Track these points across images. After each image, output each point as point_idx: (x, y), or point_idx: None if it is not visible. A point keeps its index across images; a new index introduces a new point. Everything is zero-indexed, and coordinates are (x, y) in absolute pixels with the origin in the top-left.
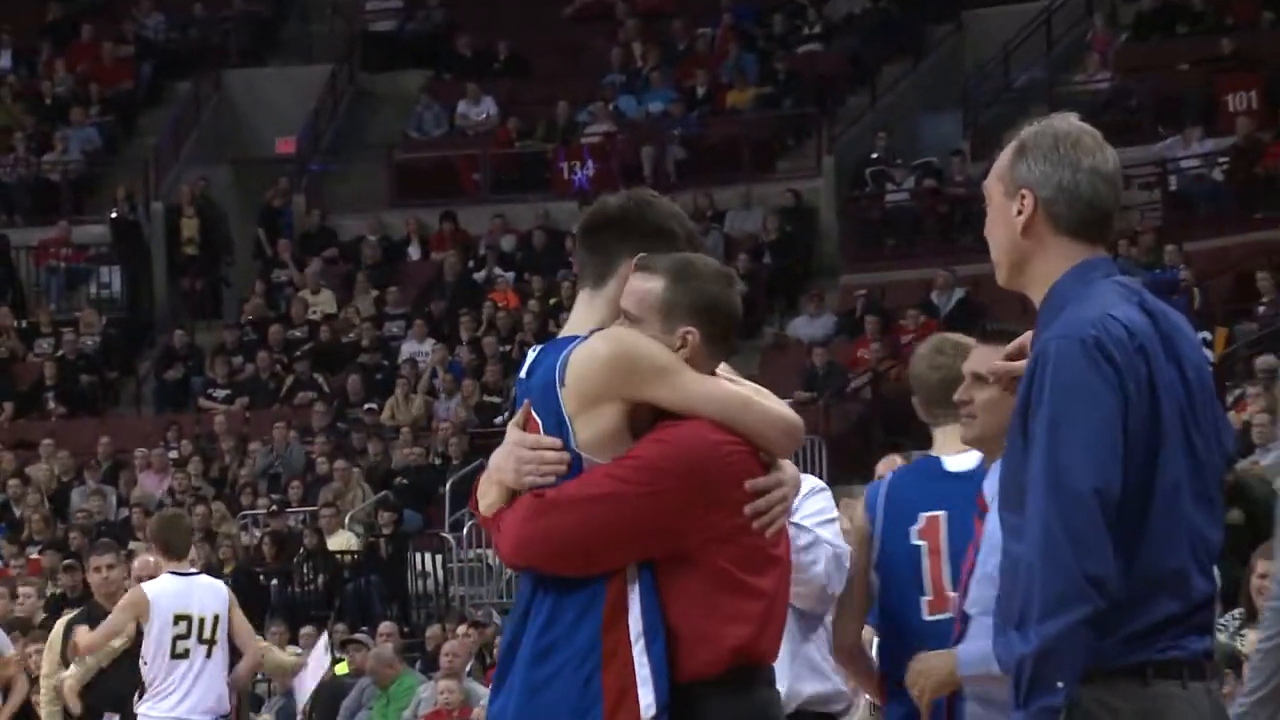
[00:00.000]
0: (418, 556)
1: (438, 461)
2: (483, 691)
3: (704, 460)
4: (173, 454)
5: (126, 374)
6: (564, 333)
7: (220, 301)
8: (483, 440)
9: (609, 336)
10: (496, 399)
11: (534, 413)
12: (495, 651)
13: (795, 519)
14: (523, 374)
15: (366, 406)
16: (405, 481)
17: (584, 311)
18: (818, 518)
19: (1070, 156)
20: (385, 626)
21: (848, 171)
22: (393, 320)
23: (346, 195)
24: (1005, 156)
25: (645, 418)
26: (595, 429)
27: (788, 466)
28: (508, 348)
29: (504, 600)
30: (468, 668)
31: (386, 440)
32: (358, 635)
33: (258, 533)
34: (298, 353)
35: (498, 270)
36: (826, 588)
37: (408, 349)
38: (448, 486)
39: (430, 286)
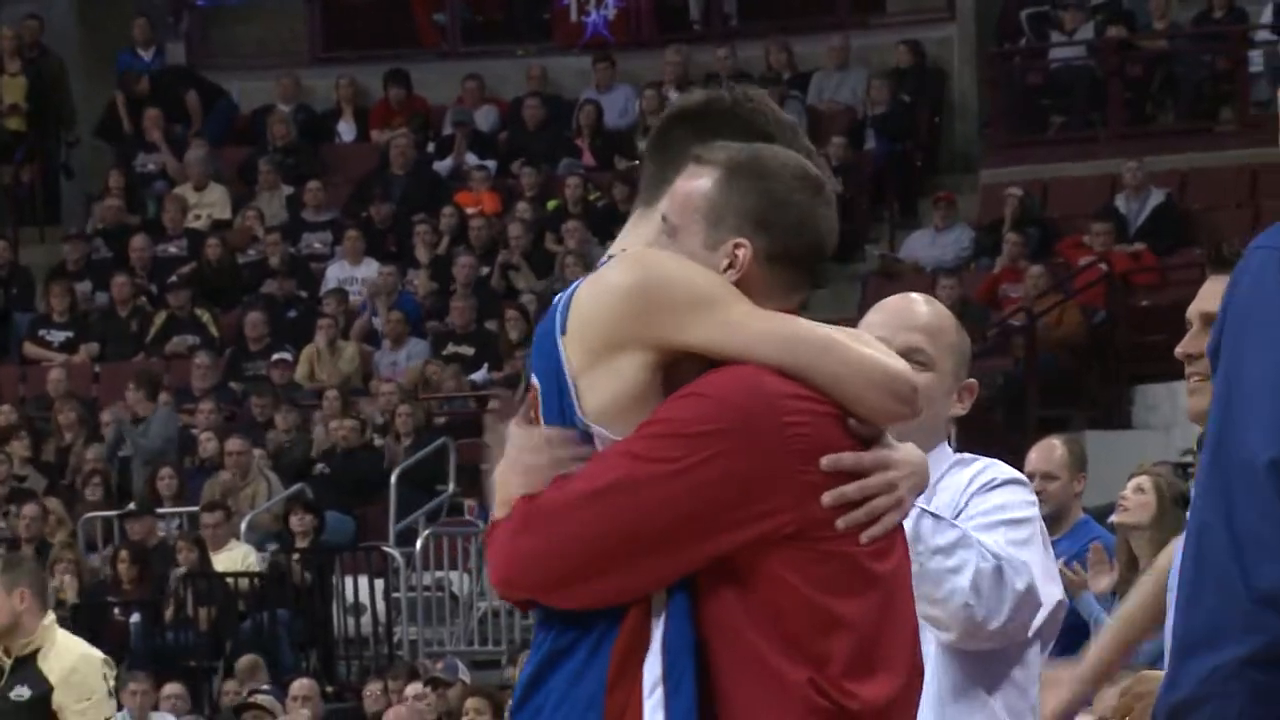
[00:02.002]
0: (348, 581)
1: (378, 441)
2: None
3: (759, 419)
4: None
5: None
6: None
7: (58, 200)
8: (448, 412)
9: (627, 260)
10: (467, 349)
11: (535, 381)
12: None
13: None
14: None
15: (274, 358)
16: (329, 470)
17: (634, 232)
18: (989, 516)
19: None
20: (300, 685)
21: (993, 14)
22: (314, 231)
23: (248, 43)
24: None
25: (687, 376)
26: (609, 391)
27: (905, 446)
28: (486, 271)
29: (475, 648)
30: None
31: (303, 409)
32: (259, 696)
33: (110, 545)
34: (172, 278)
35: (470, 158)
36: (973, 613)
37: (335, 274)
38: (394, 479)
39: (370, 181)
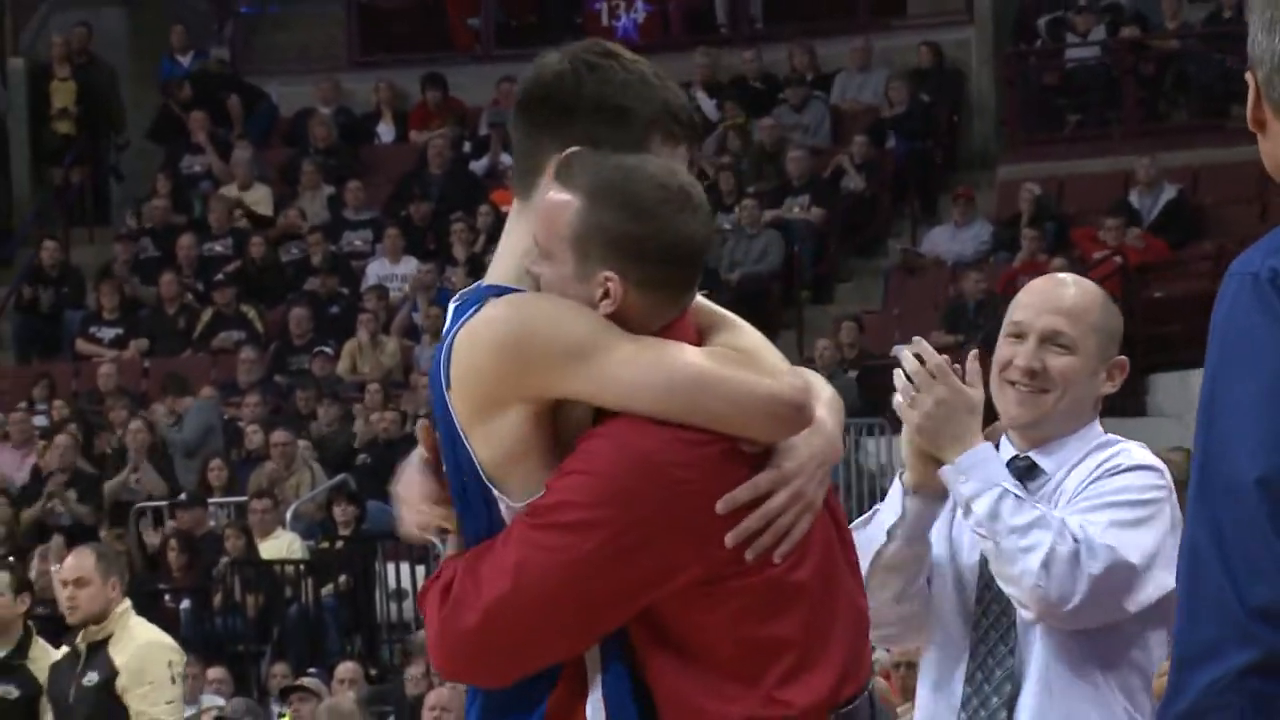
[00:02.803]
0: (390, 568)
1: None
2: None
3: (645, 492)
4: (39, 420)
5: None
6: (489, 271)
7: (108, 201)
8: None
9: (499, 310)
10: None
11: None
12: None
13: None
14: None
15: (317, 352)
16: (371, 461)
17: (510, 239)
18: (1103, 498)
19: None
20: (345, 668)
21: (1010, 16)
22: (355, 230)
23: (289, 49)
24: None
25: (576, 417)
26: (497, 446)
27: (802, 436)
28: None
29: None
30: None
31: (345, 402)
32: (305, 679)
33: (160, 534)
34: (219, 276)
35: (505, 158)
36: (1045, 593)
37: (376, 271)
38: None
39: (409, 181)
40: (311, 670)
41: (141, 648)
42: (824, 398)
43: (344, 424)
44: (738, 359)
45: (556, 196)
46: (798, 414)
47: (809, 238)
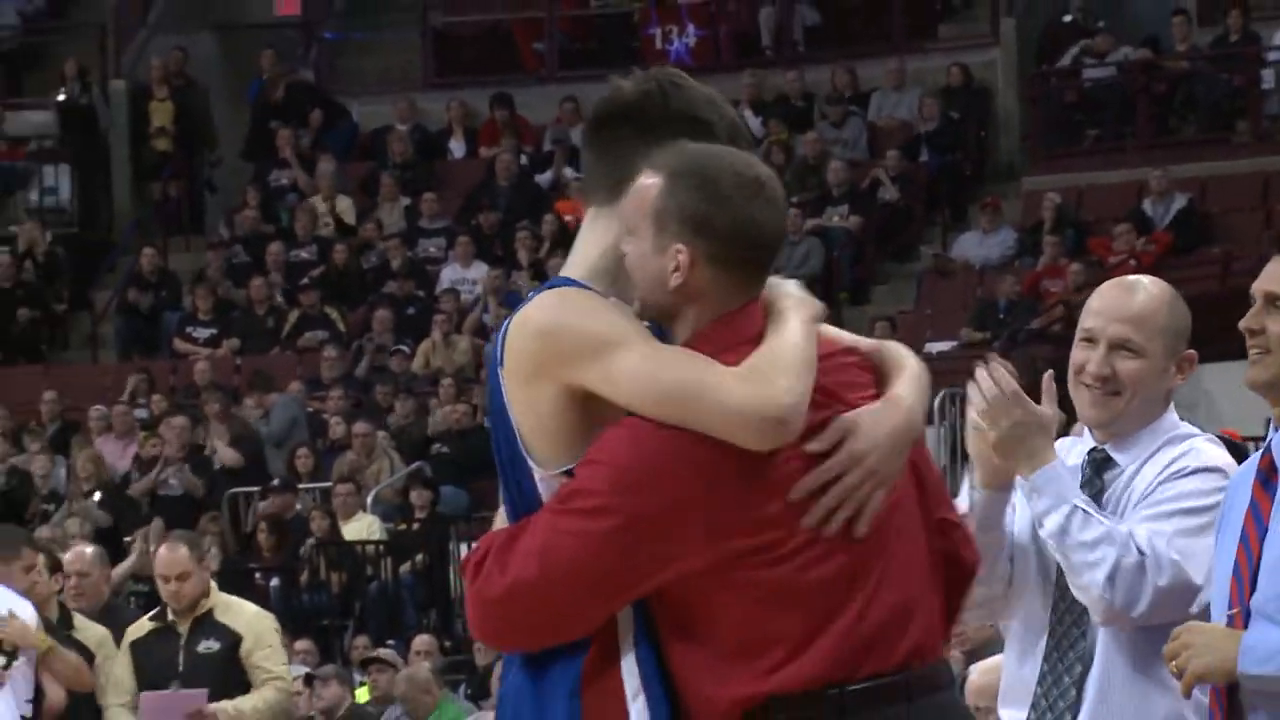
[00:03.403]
0: (463, 548)
1: (489, 424)
2: None
3: (654, 479)
4: (140, 413)
5: (79, 308)
6: (564, 270)
7: (202, 212)
8: None
9: (545, 300)
10: None
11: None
12: None
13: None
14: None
15: (395, 350)
16: (445, 450)
17: (589, 237)
18: (1168, 505)
19: None
20: (421, 640)
21: (1033, 38)
22: (429, 237)
23: (369, 72)
24: None
25: (606, 404)
26: (533, 419)
27: (872, 421)
28: None
29: None
30: None
31: (421, 396)
32: (383, 651)
33: (251, 517)
34: (305, 280)
35: (568, 171)
36: (1110, 604)
37: (449, 275)
38: None
39: (479, 193)
40: (390, 642)
41: (254, 617)
42: (907, 372)
43: (420, 416)
44: (740, 373)
45: (646, 178)
46: (778, 428)
47: (847, 244)
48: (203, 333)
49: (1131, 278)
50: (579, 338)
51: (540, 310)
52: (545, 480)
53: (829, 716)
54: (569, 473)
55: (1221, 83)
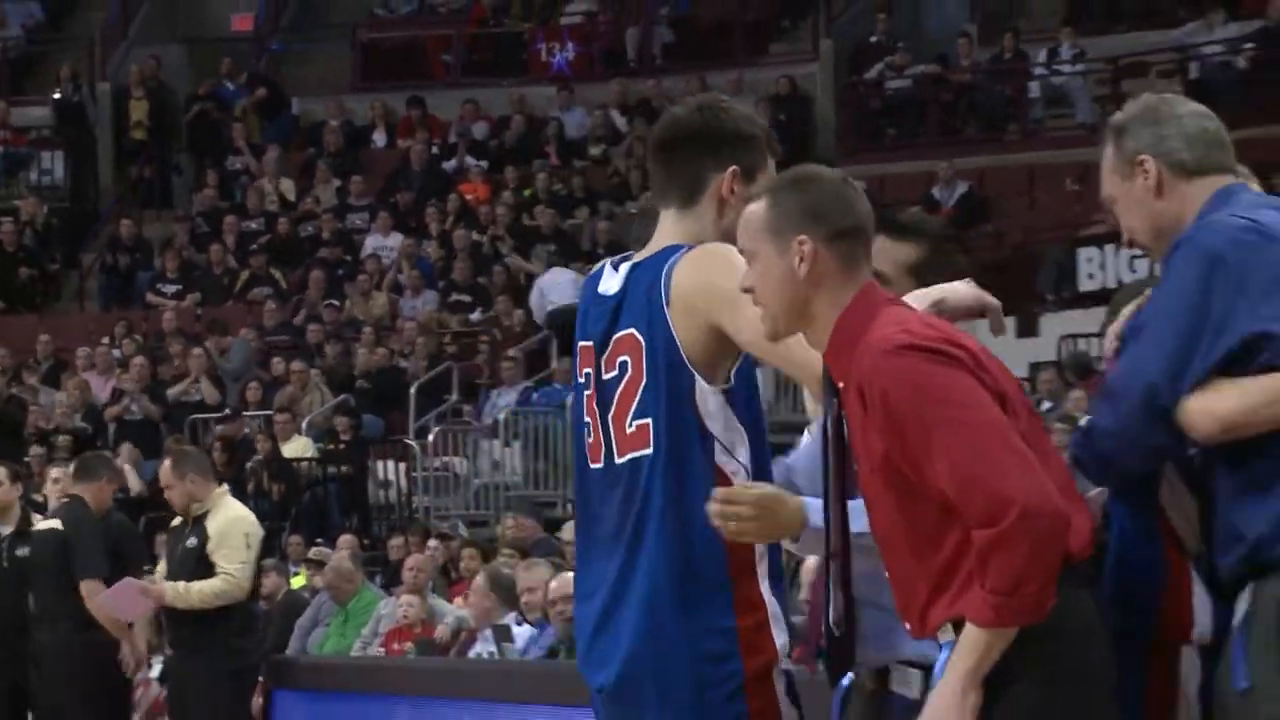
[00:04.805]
0: (379, 465)
1: (402, 363)
2: (447, 608)
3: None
4: (117, 353)
5: (69, 267)
6: (646, 253)
7: (171, 191)
8: (452, 342)
9: (705, 254)
10: (466, 297)
11: (636, 334)
12: (460, 566)
13: None
14: (603, 289)
15: (326, 303)
16: (366, 385)
17: (673, 230)
18: None
19: (1164, 110)
20: (344, 539)
21: (846, 55)
22: (356, 212)
23: (308, 77)
24: (1107, 146)
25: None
26: (703, 345)
27: None
28: (479, 240)
29: (470, 511)
30: (431, 583)
31: (347, 341)
32: (314, 549)
33: (208, 438)
34: (254, 246)
35: (469, 159)
36: None
37: (371, 243)
38: (413, 391)
39: (396, 176)
40: (319, 541)
41: (226, 521)
42: None
43: (346, 357)
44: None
45: (747, 212)
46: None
47: None
48: (170, 289)
49: None
50: (731, 284)
51: (704, 262)
52: (703, 391)
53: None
54: (726, 392)
55: (997, 92)
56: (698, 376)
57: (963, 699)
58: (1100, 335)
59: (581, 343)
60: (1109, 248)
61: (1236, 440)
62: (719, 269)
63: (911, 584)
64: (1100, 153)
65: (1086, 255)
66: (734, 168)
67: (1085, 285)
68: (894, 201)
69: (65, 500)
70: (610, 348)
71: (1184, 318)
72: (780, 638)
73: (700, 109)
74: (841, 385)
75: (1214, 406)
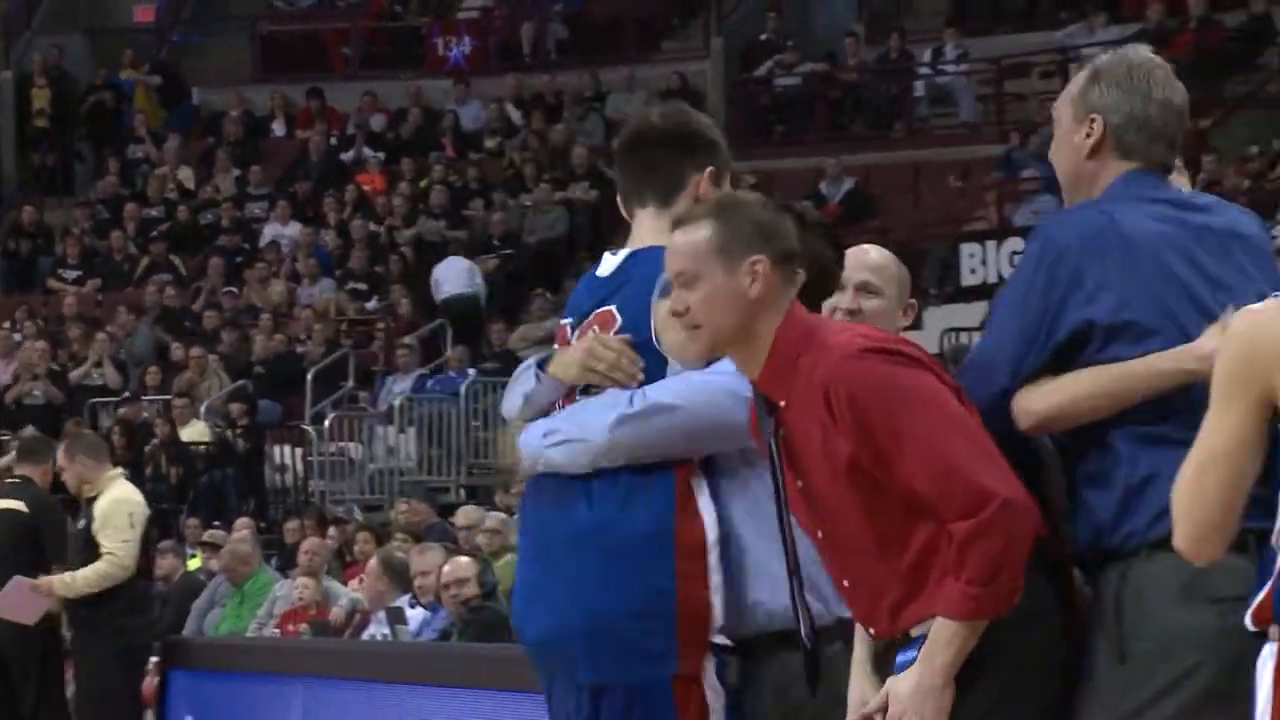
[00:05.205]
0: (276, 449)
1: (299, 349)
2: (341, 590)
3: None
4: (17, 336)
5: None
6: (633, 247)
7: (73, 178)
8: (348, 329)
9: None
10: (362, 285)
11: (616, 313)
12: (355, 549)
13: None
14: (600, 272)
15: (226, 290)
16: (263, 371)
17: (654, 227)
18: None
19: (1142, 86)
20: (241, 523)
21: (737, 52)
22: (255, 201)
23: (208, 68)
24: (1076, 82)
25: None
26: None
27: None
28: (375, 230)
29: (365, 496)
30: (326, 566)
31: (244, 328)
32: (211, 532)
33: (107, 422)
34: (154, 233)
35: (366, 150)
36: None
37: (270, 231)
38: (309, 376)
39: (295, 166)
40: (216, 524)
41: (110, 502)
42: None
43: (243, 344)
44: None
45: (683, 235)
46: None
47: (587, 213)
48: (71, 274)
49: (867, 245)
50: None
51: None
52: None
53: None
54: None
55: (883, 91)
56: (671, 363)
57: (941, 693)
58: (981, 329)
59: (563, 320)
60: (990, 244)
61: (1080, 428)
62: None
63: (879, 585)
64: (982, 151)
65: (969, 251)
66: (711, 168)
67: (967, 280)
68: (782, 196)
69: (16, 481)
70: (587, 320)
71: (1024, 313)
72: (719, 612)
73: (675, 112)
74: (783, 403)
75: (1030, 403)
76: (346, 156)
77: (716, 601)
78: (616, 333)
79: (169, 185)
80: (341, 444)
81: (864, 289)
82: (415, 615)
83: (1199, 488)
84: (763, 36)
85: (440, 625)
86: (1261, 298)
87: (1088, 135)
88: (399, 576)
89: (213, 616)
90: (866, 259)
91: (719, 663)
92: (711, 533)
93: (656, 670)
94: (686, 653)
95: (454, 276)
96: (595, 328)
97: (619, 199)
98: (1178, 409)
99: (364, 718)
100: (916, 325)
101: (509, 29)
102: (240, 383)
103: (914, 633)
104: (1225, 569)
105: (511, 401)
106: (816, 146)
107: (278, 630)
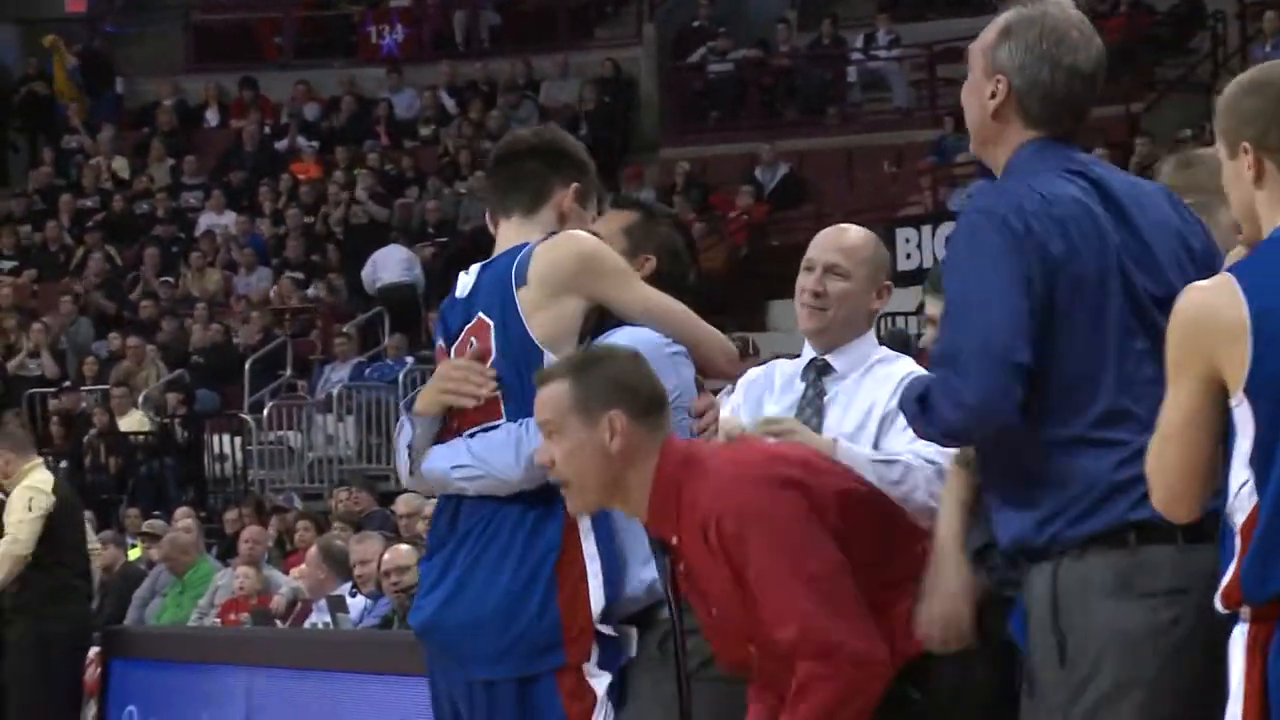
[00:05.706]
0: (215, 438)
1: (236, 339)
2: (282, 579)
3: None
4: None
5: None
6: (501, 247)
7: (6, 169)
8: (286, 318)
9: (576, 234)
10: (299, 274)
11: (485, 317)
12: (295, 538)
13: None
14: (459, 294)
15: (162, 280)
16: (201, 360)
17: (517, 235)
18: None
19: (1051, 52)
20: (181, 512)
21: (669, 39)
22: (190, 190)
23: (141, 58)
24: (991, 32)
25: (594, 320)
26: (553, 326)
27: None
28: (311, 219)
29: (304, 484)
30: (266, 555)
31: (182, 317)
32: (151, 522)
33: (46, 412)
34: (89, 224)
35: (300, 139)
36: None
37: (205, 221)
38: (247, 365)
39: (229, 155)
40: (156, 514)
41: (17, 489)
42: None
43: (181, 333)
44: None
45: (545, 390)
46: (738, 358)
47: None
48: (7, 264)
49: (845, 225)
50: (617, 262)
51: (575, 239)
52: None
53: None
54: None
55: (816, 77)
56: (546, 352)
57: None
58: (917, 313)
59: (439, 344)
60: (925, 228)
61: (999, 432)
62: (589, 247)
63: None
64: (916, 136)
65: (904, 235)
66: (576, 185)
67: (903, 265)
68: (716, 183)
69: None
70: (461, 336)
71: (1003, 279)
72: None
73: (548, 130)
74: (675, 540)
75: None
76: (281, 145)
77: (596, 588)
78: (496, 332)
79: (104, 175)
80: (280, 433)
81: (831, 271)
82: (356, 603)
83: (1161, 458)
84: (695, 23)
85: (381, 613)
86: (1186, 247)
87: (993, 95)
88: (339, 565)
89: (154, 606)
90: (841, 240)
91: (602, 650)
92: (585, 521)
93: (542, 664)
94: (571, 646)
95: (392, 265)
96: (472, 339)
97: (487, 214)
98: (1091, 410)
99: (306, 706)
100: None
101: (442, 17)
102: (178, 372)
103: None
104: (1153, 564)
105: (401, 460)
106: (750, 133)
107: (219, 620)
